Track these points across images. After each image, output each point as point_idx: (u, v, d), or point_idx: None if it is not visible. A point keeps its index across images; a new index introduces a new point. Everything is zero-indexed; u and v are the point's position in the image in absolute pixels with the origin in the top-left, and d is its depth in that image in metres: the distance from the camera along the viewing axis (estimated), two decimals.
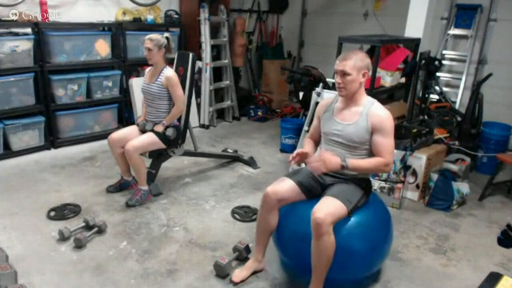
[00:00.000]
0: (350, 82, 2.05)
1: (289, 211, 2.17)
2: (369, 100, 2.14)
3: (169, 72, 3.06)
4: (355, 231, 2.05)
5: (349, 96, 2.11)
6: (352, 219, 2.06)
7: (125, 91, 4.55)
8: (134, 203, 3.02)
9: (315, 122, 2.34)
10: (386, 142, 2.06)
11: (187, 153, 3.52)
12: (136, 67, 4.74)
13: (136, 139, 3.00)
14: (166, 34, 3.10)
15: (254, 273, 2.29)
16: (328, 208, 1.94)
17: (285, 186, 2.16)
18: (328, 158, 2.01)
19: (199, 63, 4.95)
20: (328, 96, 3.61)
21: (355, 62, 2.04)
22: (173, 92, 3.07)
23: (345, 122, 2.12)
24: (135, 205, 3.02)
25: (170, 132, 3.10)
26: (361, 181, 2.16)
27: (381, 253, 2.18)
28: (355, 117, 2.10)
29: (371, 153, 2.15)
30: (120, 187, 3.25)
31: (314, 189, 2.19)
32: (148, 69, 3.23)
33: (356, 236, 2.05)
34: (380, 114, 2.07)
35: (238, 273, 2.24)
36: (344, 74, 2.04)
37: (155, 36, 3.03)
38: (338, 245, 1.98)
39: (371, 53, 3.67)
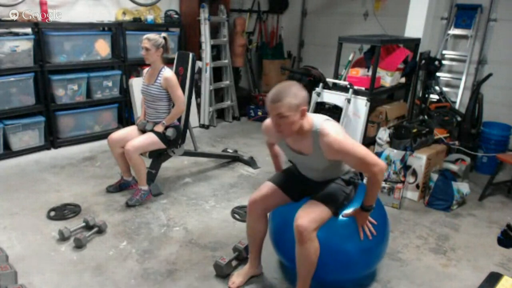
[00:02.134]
0: (289, 124, 1.79)
1: (286, 213, 2.15)
2: (314, 127, 1.87)
3: (168, 73, 3.04)
4: (349, 230, 2.03)
5: (294, 135, 1.90)
6: (346, 218, 2.04)
7: (125, 91, 4.55)
8: (134, 203, 3.02)
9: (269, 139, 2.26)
10: (353, 158, 1.84)
11: (187, 153, 3.52)
12: (136, 67, 4.74)
13: (136, 139, 3.00)
14: (164, 34, 3.07)
15: (251, 277, 2.27)
16: (311, 214, 1.90)
17: (267, 192, 2.12)
18: (363, 219, 2.01)
19: (199, 63, 4.95)
20: (327, 96, 3.62)
21: (289, 101, 1.75)
22: (172, 93, 3.06)
23: (302, 154, 1.98)
24: (135, 205, 3.02)
25: (170, 132, 3.10)
26: (345, 175, 2.08)
27: (378, 252, 2.16)
28: (309, 149, 1.92)
29: (341, 163, 2.05)
30: (120, 187, 3.25)
31: (298, 190, 2.14)
32: (146, 70, 3.22)
33: (351, 235, 2.03)
34: (325, 144, 1.82)
35: (235, 279, 2.21)
36: (280, 117, 1.78)
37: (152, 35, 3.01)
38: (333, 245, 1.97)
39: (371, 53, 3.68)
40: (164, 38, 3.05)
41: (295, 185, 2.16)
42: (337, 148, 1.81)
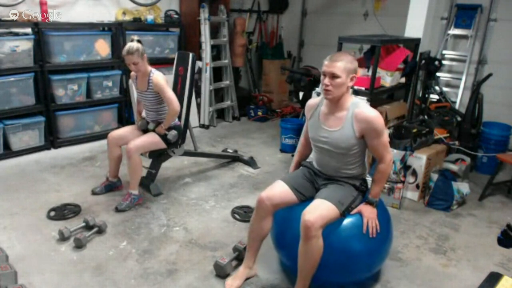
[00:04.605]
0: (339, 85, 1.95)
1: (289, 213, 2.16)
2: (354, 102, 2.04)
3: (156, 77, 2.94)
4: (354, 232, 2.04)
5: (335, 100, 2.02)
6: (351, 220, 2.05)
7: (125, 91, 4.55)
8: (124, 208, 2.95)
9: (307, 121, 2.33)
10: (381, 141, 2.01)
11: (187, 153, 3.52)
12: None
13: (139, 138, 2.99)
14: (135, 37, 2.92)
15: (247, 279, 2.25)
16: (318, 211, 1.92)
17: (280, 191, 2.13)
18: (370, 213, 2.04)
19: (199, 63, 4.95)
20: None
21: (345, 64, 1.94)
22: (163, 95, 2.98)
23: (330, 129, 2.06)
24: (125, 210, 2.95)
25: (171, 136, 3.07)
26: (355, 180, 2.14)
27: (381, 254, 2.17)
28: (340, 122, 2.03)
29: (359, 156, 2.11)
30: (106, 188, 3.21)
31: (308, 193, 2.17)
32: (134, 75, 3.08)
33: (355, 237, 2.04)
34: (365, 117, 1.97)
35: (231, 282, 2.19)
36: (333, 76, 1.95)
37: (133, 47, 2.83)
38: (338, 247, 1.98)
39: (371, 53, 3.68)
40: (139, 41, 2.90)
41: (306, 187, 2.19)
42: (375, 124, 1.96)
